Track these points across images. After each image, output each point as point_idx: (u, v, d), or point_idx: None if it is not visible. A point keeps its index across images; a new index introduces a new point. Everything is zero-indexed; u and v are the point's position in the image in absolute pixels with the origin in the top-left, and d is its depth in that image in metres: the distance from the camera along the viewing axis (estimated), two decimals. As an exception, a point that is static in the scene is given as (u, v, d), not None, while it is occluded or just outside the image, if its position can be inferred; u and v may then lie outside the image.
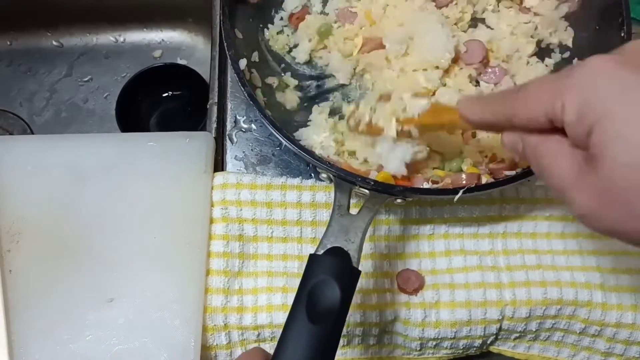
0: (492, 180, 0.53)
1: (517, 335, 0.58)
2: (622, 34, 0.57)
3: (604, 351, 0.57)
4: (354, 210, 0.49)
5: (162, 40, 0.92)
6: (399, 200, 0.53)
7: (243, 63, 0.58)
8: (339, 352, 0.57)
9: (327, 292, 0.42)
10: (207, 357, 0.56)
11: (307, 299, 0.42)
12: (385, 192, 0.50)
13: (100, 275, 0.55)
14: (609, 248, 0.59)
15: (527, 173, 0.52)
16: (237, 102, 0.67)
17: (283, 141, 0.53)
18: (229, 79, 0.68)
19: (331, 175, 0.52)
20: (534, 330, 0.57)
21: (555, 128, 0.34)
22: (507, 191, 0.59)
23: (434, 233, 0.59)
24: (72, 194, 0.58)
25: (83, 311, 0.54)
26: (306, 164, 0.63)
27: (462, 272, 0.58)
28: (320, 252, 0.46)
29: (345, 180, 0.50)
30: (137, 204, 0.58)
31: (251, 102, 0.54)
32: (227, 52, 0.56)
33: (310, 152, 0.52)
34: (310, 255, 0.45)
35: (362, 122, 0.54)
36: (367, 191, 0.50)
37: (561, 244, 0.59)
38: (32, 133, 0.86)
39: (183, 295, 0.54)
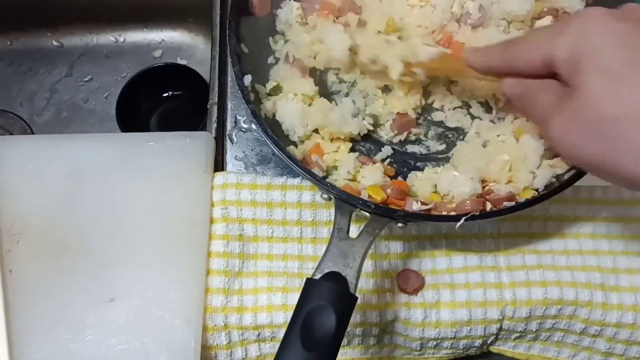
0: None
1: (518, 335, 0.58)
2: None
3: (605, 351, 0.57)
4: (353, 233, 0.48)
5: (163, 40, 0.92)
6: (399, 225, 0.52)
7: (248, 79, 0.57)
8: (339, 352, 0.57)
9: (322, 319, 0.42)
10: (207, 357, 0.56)
11: (302, 325, 0.42)
12: (386, 216, 0.50)
13: (101, 275, 0.55)
14: (609, 248, 0.59)
15: (529, 203, 0.51)
16: (237, 102, 0.67)
17: (286, 161, 0.52)
18: (229, 79, 0.68)
19: (332, 197, 0.52)
20: (534, 330, 0.57)
21: (549, 75, 0.37)
22: (507, 191, 0.59)
23: (434, 233, 0.59)
24: (72, 193, 0.58)
25: (83, 311, 0.54)
26: (306, 163, 0.63)
27: (462, 272, 0.57)
28: (318, 276, 0.45)
29: (347, 202, 0.50)
30: (137, 204, 0.58)
31: (254, 119, 0.53)
32: (232, 69, 0.56)
33: (313, 174, 0.52)
34: (307, 279, 0.45)
35: (366, 56, 0.55)
36: (367, 214, 0.50)
37: (561, 243, 0.59)
38: (33, 133, 0.86)
39: (183, 295, 0.54)
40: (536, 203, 0.51)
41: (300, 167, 0.52)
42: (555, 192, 0.52)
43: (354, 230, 0.50)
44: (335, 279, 0.45)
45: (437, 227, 0.59)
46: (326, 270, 0.46)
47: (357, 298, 0.45)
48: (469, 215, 0.52)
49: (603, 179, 0.37)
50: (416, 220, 0.53)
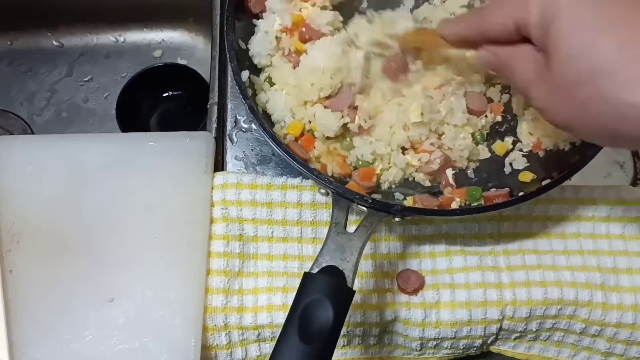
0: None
1: (518, 335, 0.58)
2: None
3: (605, 351, 0.57)
4: (351, 228, 0.48)
5: (163, 40, 0.92)
6: (397, 219, 0.53)
7: (245, 75, 0.57)
8: (339, 352, 0.57)
9: (320, 312, 0.42)
10: (207, 357, 0.56)
11: (299, 317, 0.42)
12: (383, 210, 0.50)
13: (101, 275, 0.55)
14: (609, 248, 0.59)
15: (525, 197, 0.52)
16: (237, 102, 0.67)
17: (283, 155, 0.52)
18: (229, 79, 0.68)
19: (329, 192, 0.52)
20: (534, 330, 0.57)
21: (522, 39, 0.37)
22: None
23: (434, 233, 0.59)
24: (72, 193, 0.58)
25: (83, 311, 0.54)
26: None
27: (462, 272, 0.58)
28: (315, 270, 0.46)
29: (344, 197, 0.50)
30: (137, 204, 0.58)
31: (252, 115, 0.53)
32: (230, 64, 0.56)
33: (310, 169, 0.52)
34: (305, 273, 0.45)
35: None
36: (365, 208, 0.50)
37: (561, 243, 0.59)
38: (33, 133, 0.86)
39: (183, 295, 0.54)
40: (533, 197, 0.52)
41: (298, 162, 0.52)
42: (550, 187, 0.52)
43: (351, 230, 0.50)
44: (332, 273, 0.45)
45: (437, 227, 0.59)
46: (324, 265, 0.46)
47: (354, 292, 0.45)
48: (465, 209, 0.53)
49: (597, 143, 0.38)
50: (413, 214, 0.53)
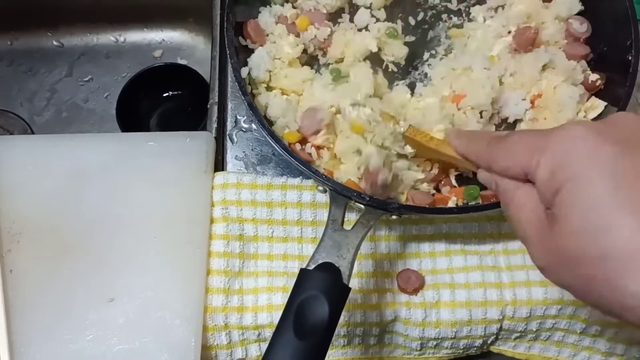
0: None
1: (518, 335, 0.58)
2: (630, 57, 0.57)
3: (605, 351, 0.57)
4: (348, 226, 0.49)
5: (163, 40, 0.92)
6: (394, 217, 0.53)
7: (245, 71, 0.58)
8: (339, 352, 0.57)
9: (315, 308, 0.42)
10: (208, 356, 0.56)
11: (295, 313, 0.42)
12: (380, 208, 0.50)
13: (101, 275, 0.55)
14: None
15: None
16: (237, 102, 0.67)
17: (281, 152, 0.52)
18: (230, 78, 0.68)
19: (327, 189, 0.52)
20: (534, 330, 0.57)
21: (527, 180, 0.35)
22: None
23: (435, 233, 0.59)
24: (73, 193, 0.58)
25: (83, 311, 0.54)
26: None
27: (462, 272, 0.57)
28: (311, 267, 0.46)
29: (341, 194, 0.50)
30: (137, 204, 0.58)
31: (251, 111, 0.54)
32: (229, 61, 0.56)
33: (307, 166, 0.52)
34: (301, 269, 0.45)
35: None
36: (362, 206, 0.50)
37: (562, 243, 0.59)
38: (33, 133, 0.86)
39: (183, 295, 0.54)
40: None
41: (296, 159, 0.52)
42: None
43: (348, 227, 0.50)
44: (328, 269, 0.45)
45: (437, 227, 0.59)
46: (320, 261, 0.46)
47: (350, 289, 0.45)
48: (463, 207, 0.53)
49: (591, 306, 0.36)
50: (410, 212, 0.53)
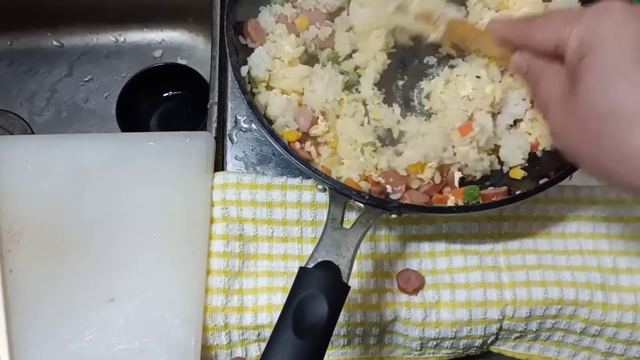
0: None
1: (518, 335, 0.58)
2: None
3: (605, 351, 0.57)
4: (347, 225, 0.49)
5: (163, 40, 0.92)
6: (393, 216, 0.53)
7: (244, 70, 0.58)
8: (339, 352, 0.57)
9: (314, 307, 0.42)
10: (208, 356, 0.56)
11: (294, 312, 0.42)
12: (380, 206, 0.50)
13: (101, 275, 0.55)
14: (609, 248, 0.59)
15: (523, 196, 0.52)
16: (237, 102, 0.67)
17: (280, 150, 0.52)
18: (230, 79, 0.68)
19: (326, 187, 0.52)
20: (534, 330, 0.57)
21: (558, 57, 0.38)
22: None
23: (435, 233, 0.59)
24: (73, 193, 0.58)
25: (83, 311, 0.54)
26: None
27: (462, 272, 0.57)
28: (311, 265, 0.46)
29: (341, 193, 0.50)
30: (137, 204, 0.58)
31: (250, 110, 0.54)
32: (229, 59, 0.56)
33: (307, 164, 0.52)
34: (300, 268, 0.45)
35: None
36: (362, 205, 0.50)
37: (562, 243, 0.59)
38: (33, 133, 0.86)
39: (183, 295, 0.54)
40: (531, 195, 0.52)
41: (295, 158, 0.52)
42: (547, 185, 0.52)
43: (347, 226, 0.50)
44: (328, 268, 0.45)
45: (437, 227, 0.59)
46: (319, 260, 0.46)
47: (349, 287, 0.45)
48: (462, 207, 0.53)
49: (594, 177, 0.38)
50: (409, 211, 0.53)
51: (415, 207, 0.54)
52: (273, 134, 0.53)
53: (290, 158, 0.52)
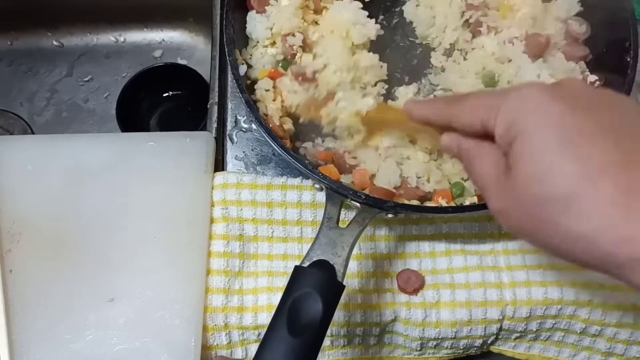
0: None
1: (518, 335, 0.58)
2: (628, 58, 0.57)
3: (605, 351, 0.57)
4: (343, 223, 0.49)
5: (163, 40, 0.92)
6: (389, 216, 0.53)
7: (243, 69, 0.58)
8: (339, 352, 0.57)
9: (309, 306, 0.42)
10: (208, 356, 0.56)
11: (288, 310, 0.42)
12: (376, 206, 0.50)
13: (101, 275, 0.55)
14: (609, 248, 0.59)
15: None
16: (237, 102, 0.67)
17: (277, 149, 0.53)
18: (230, 78, 0.68)
19: (323, 186, 0.52)
20: (534, 330, 0.57)
21: (487, 135, 0.38)
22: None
23: (435, 233, 0.59)
24: (73, 193, 0.58)
25: (83, 311, 0.54)
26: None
27: (462, 272, 0.58)
28: (306, 264, 0.46)
29: (337, 192, 0.50)
30: (138, 204, 0.58)
31: (248, 109, 0.54)
32: (227, 58, 0.56)
33: (304, 163, 0.52)
34: (296, 267, 0.45)
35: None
36: (358, 204, 0.50)
37: (562, 243, 0.59)
38: (33, 133, 0.86)
39: (183, 295, 0.54)
40: None
41: (292, 157, 0.52)
42: None
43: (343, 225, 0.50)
44: (323, 267, 0.45)
45: (437, 227, 0.59)
46: (314, 259, 0.46)
47: (344, 286, 0.45)
48: (457, 207, 0.53)
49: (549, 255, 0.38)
50: (405, 211, 0.53)
51: (411, 207, 0.54)
52: (271, 133, 0.53)
53: (288, 157, 0.52)
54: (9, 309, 0.54)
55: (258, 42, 0.62)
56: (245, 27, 0.62)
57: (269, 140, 0.53)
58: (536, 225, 0.34)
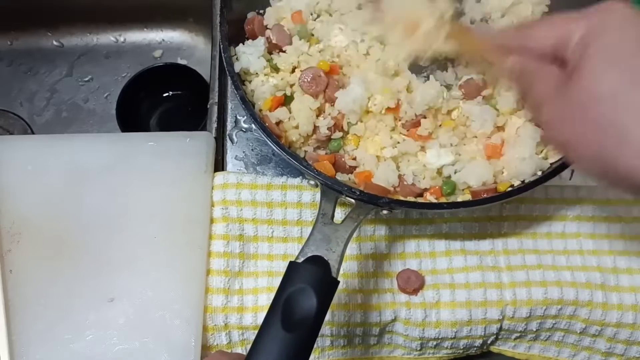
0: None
1: (518, 335, 0.58)
2: None
3: (605, 351, 0.57)
4: (338, 220, 0.49)
5: (163, 40, 0.92)
6: (384, 212, 0.53)
7: (238, 66, 0.58)
8: (339, 352, 0.57)
9: (303, 301, 0.42)
10: (207, 355, 0.55)
11: (283, 306, 0.42)
12: (370, 202, 0.50)
13: (101, 275, 0.55)
14: (609, 248, 0.59)
15: (513, 193, 0.53)
16: (237, 102, 0.67)
17: (272, 146, 0.53)
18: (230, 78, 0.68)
19: (318, 183, 0.52)
20: (534, 330, 0.57)
21: (552, 62, 0.38)
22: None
23: (434, 233, 0.59)
24: (73, 193, 0.58)
25: (83, 311, 0.54)
26: (306, 163, 0.64)
27: (462, 272, 0.58)
28: (300, 260, 0.46)
29: (332, 188, 0.50)
30: (137, 204, 0.58)
31: (243, 105, 0.54)
32: (223, 55, 0.56)
33: (299, 159, 0.52)
34: (290, 262, 0.45)
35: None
36: (353, 200, 0.50)
37: (562, 243, 0.59)
38: (33, 133, 0.86)
39: (183, 295, 0.54)
40: (522, 192, 0.52)
41: (287, 153, 0.52)
42: (545, 179, 0.53)
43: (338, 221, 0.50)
44: (317, 262, 0.45)
45: (437, 227, 0.59)
46: (309, 254, 0.46)
47: (338, 282, 0.45)
48: (452, 203, 0.53)
49: (591, 175, 0.37)
50: (400, 207, 0.54)
51: (405, 202, 0.54)
52: (265, 129, 0.53)
53: (283, 154, 0.52)
54: (9, 309, 0.54)
55: (257, 73, 0.60)
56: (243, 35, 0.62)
57: (264, 137, 0.53)
58: (592, 131, 0.33)
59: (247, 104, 0.54)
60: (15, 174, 0.59)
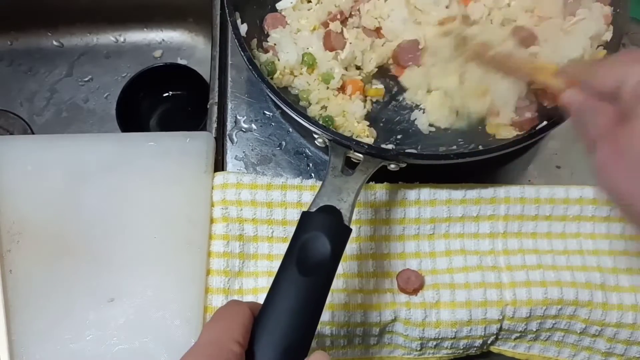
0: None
1: (518, 335, 0.58)
2: None
3: (605, 351, 0.57)
4: (347, 173, 0.50)
5: (163, 40, 0.92)
6: (392, 166, 0.54)
7: (244, 29, 0.59)
8: (339, 352, 0.57)
9: (318, 247, 0.43)
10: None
11: (298, 253, 0.43)
12: (378, 156, 0.51)
13: (101, 275, 0.55)
14: (609, 248, 0.59)
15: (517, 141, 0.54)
16: (237, 102, 0.67)
17: (281, 105, 0.53)
18: (229, 79, 0.68)
19: (326, 139, 0.53)
20: (534, 330, 0.57)
21: (612, 99, 0.38)
22: (510, 191, 0.59)
23: (435, 233, 0.59)
24: (72, 194, 0.58)
25: (83, 311, 0.54)
26: (306, 163, 0.63)
27: (462, 272, 0.57)
28: (313, 209, 0.47)
29: (340, 144, 0.52)
30: (137, 204, 0.58)
31: (250, 67, 0.55)
32: (229, 19, 0.57)
33: (306, 117, 0.53)
34: (303, 212, 0.46)
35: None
36: (361, 155, 0.51)
37: (562, 243, 0.59)
38: (33, 133, 0.86)
39: (183, 295, 0.54)
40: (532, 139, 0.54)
41: (294, 110, 0.53)
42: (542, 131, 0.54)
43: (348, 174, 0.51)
44: (329, 211, 0.46)
45: (437, 227, 0.59)
46: (321, 204, 0.47)
47: (351, 230, 0.46)
48: (460, 153, 0.54)
49: (632, 222, 0.37)
50: (408, 159, 0.54)
51: (413, 155, 0.55)
52: (273, 88, 0.54)
53: (289, 110, 0.53)
54: (9, 309, 0.54)
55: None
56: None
57: (270, 95, 0.54)
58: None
59: (254, 65, 0.55)
60: (15, 174, 0.59)
